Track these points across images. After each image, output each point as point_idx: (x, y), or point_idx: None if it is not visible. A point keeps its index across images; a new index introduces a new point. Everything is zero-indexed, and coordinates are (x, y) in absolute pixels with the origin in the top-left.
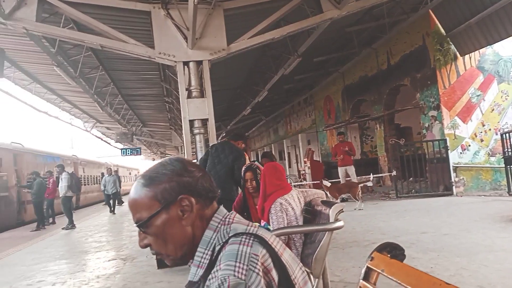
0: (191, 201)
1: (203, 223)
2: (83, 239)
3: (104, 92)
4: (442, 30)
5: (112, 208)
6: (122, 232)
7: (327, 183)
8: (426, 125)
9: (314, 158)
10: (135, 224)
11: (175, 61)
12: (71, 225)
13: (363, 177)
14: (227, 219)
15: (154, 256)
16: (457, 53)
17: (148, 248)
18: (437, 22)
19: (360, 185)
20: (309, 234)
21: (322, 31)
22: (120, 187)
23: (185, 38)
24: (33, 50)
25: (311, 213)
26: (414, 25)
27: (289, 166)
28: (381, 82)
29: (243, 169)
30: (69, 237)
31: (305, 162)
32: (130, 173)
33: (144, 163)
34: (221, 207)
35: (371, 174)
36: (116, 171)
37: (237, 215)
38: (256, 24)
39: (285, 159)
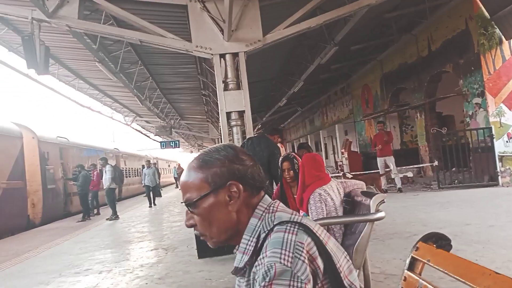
0: (239, 188)
1: (249, 211)
2: (126, 230)
3: (143, 87)
4: (486, 13)
5: (151, 202)
6: (163, 223)
7: (349, 175)
8: (470, 113)
9: (352, 149)
10: (184, 203)
11: (212, 54)
12: (115, 216)
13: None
14: (271, 208)
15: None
16: (503, 37)
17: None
18: (480, 5)
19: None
20: (349, 225)
21: (359, 18)
22: (159, 179)
23: (221, 30)
24: (75, 47)
25: (350, 204)
26: (456, 9)
27: (326, 157)
28: (421, 69)
29: (280, 159)
30: (113, 227)
31: (342, 153)
32: (169, 166)
33: (182, 155)
34: (266, 196)
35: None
36: (155, 164)
37: (281, 204)
38: (291, 14)
39: (321, 150)
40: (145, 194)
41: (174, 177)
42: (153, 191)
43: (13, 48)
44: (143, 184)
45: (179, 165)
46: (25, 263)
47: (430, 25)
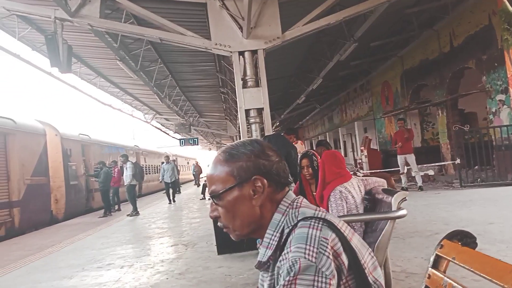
0: (264, 183)
1: (273, 206)
2: (146, 226)
3: (163, 85)
4: (510, 8)
5: (171, 199)
6: (182, 220)
7: (359, 173)
8: (493, 110)
9: (372, 147)
10: (209, 195)
11: (231, 51)
12: (135, 212)
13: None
14: (295, 203)
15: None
16: None
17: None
18: None
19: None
20: (370, 222)
21: (380, 14)
22: (178, 175)
23: (240, 28)
24: (97, 45)
25: (371, 202)
26: (478, 4)
27: (345, 155)
28: (443, 65)
29: (299, 156)
30: (133, 223)
31: (361, 151)
32: (188, 163)
33: (201, 153)
34: (290, 191)
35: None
36: (174, 160)
37: (305, 200)
38: (310, 10)
39: (340, 148)
40: (164, 191)
41: (193, 174)
42: (172, 188)
43: (36, 47)
44: (160, 180)
45: (196, 162)
46: (49, 258)
47: (452, 21)
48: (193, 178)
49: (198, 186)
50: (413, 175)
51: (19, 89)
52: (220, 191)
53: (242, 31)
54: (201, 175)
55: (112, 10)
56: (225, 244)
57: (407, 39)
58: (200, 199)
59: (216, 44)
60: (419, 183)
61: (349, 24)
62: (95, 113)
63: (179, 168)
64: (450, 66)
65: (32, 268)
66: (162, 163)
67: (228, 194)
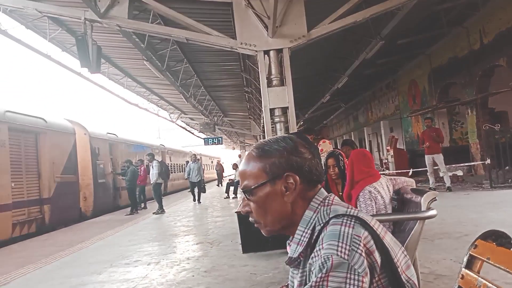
0: (296, 179)
1: (304, 203)
2: (172, 223)
3: (188, 84)
4: None
5: (196, 198)
6: (207, 218)
7: None
8: None
9: (398, 146)
10: (241, 190)
11: (256, 51)
12: (161, 210)
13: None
14: (327, 201)
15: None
16: None
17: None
18: None
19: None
20: (399, 222)
21: (407, 11)
22: (203, 175)
23: (266, 27)
24: (125, 46)
25: (399, 202)
26: (510, 0)
27: None
28: (473, 63)
29: (325, 155)
30: (159, 221)
31: (387, 151)
32: (212, 162)
33: (224, 152)
34: (322, 189)
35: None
36: (199, 159)
37: (336, 197)
38: (336, 8)
39: (365, 147)
40: (189, 189)
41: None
42: (198, 187)
43: (66, 48)
44: (186, 177)
45: (218, 161)
46: (78, 254)
47: (482, 17)
48: (216, 177)
49: (220, 186)
50: (441, 175)
51: (50, 89)
52: (252, 187)
53: (267, 30)
54: (224, 173)
55: (140, 11)
56: (250, 242)
57: (435, 37)
58: (224, 198)
59: (241, 44)
60: (448, 183)
61: (376, 22)
62: (122, 112)
63: (203, 167)
64: (480, 64)
65: (63, 263)
66: (187, 162)
67: (260, 189)
